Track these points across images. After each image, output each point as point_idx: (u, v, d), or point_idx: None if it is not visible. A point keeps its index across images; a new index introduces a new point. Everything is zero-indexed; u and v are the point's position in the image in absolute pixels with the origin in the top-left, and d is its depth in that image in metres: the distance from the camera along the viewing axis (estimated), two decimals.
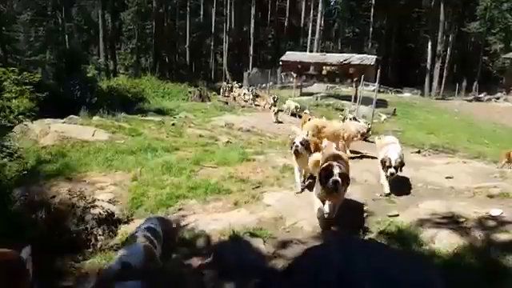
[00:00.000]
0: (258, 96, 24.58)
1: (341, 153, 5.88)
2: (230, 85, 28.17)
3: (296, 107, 19.75)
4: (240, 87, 27.28)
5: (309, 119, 13.37)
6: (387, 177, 6.27)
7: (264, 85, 31.80)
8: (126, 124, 11.26)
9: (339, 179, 4.48)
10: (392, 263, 2.43)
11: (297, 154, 6.15)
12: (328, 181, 4.52)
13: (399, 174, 6.47)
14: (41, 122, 9.54)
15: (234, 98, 24.71)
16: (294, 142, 6.19)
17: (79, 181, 6.71)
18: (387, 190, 6.25)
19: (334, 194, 4.64)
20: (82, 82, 16.27)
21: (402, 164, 6.24)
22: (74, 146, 8.60)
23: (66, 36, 41.87)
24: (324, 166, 4.83)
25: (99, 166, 7.33)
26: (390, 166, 6.15)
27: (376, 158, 7.45)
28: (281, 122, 17.03)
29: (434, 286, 2.33)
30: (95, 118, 11.49)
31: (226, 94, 26.19)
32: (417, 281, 2.34)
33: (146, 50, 48.61)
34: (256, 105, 23.25)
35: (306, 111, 17.85)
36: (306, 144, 6.20)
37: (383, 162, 6.30)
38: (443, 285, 2.45)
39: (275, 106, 19.85)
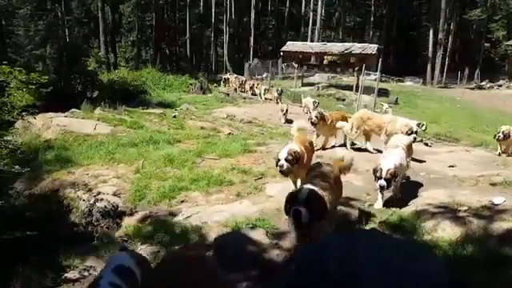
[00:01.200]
0: (267, 90, 22.82)
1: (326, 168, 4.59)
2: (241, 78, 26.80)
3: (314, 103, 17.28)
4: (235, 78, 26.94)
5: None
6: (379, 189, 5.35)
7: (261, 76, 31.41)
8: (127, 117, 11.27)
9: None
10: (394, 252, 2.43)
11: (283, 173, 5.13)
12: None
13: None
14: (43, 116, 9.56)
15: (235, 89, 24.59)
16: (278, 160, 5.02)
17: (82, 174, 6.74)
18: (378, 205, 5.45)
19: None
20: (82, 75, 16.20)
21: (394, 176, 5.22)
22: (76, 139, 8.64)
23: (66, 29, 41.63)
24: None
25: (101, 159, 7.35)
26: (380, 177, 5.19)
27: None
28: (291, 122, 14.10)
29: (437, 275, 2.32)
30: (97, 111, 11.50)
31: (235, 87, 24.66)
32: (419, 270, 2.33)
33: (147, 42, 48.40)
34: (266, 98, 21.64)
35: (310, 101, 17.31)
36: (292, 157, 4.99)
37: (374, 172, 5.33)
38: (446, 275, 2.44)
39: (280, 100, 19.01)
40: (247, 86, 23.64)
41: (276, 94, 19.65)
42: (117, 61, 42.28)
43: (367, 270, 2.22)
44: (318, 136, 8.69)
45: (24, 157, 6.75)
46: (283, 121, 14.84)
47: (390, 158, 5.41)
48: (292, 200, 3.70)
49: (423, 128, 14.32)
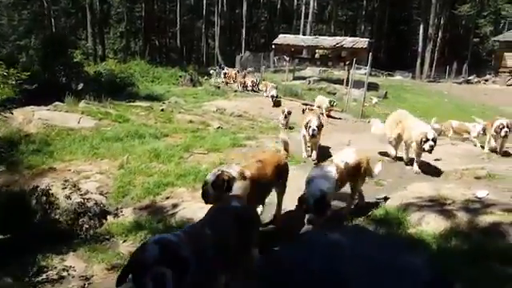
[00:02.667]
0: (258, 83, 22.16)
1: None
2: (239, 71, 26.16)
3: (331, 102, 15.38)
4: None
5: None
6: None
7: (250, 68, 31.06)
8: (113, 110, 11.04)
9: None
10: (378, 249, 2.41)
11: (207, 201, 3.93)
12: None
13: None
14: (24, 109, 9.30)
15: (226, 82, 24.41)
16: (204, 184, 3.98)
17: (64, 170, 6.58)
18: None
19: None
20: (68, 67, 15.86)
21: (326, 204, 3.99)
22: (59, 133, 8.42)
23: (52, 20, 40.94)
24: None
25: (85, 154, 7.20)
26: (307, 210, 4.08)
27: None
28: (292, 128, 12.01)
29: (420, 272, 2.29)
30: (81, 104, 11.24)
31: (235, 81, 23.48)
32: (403, 267, 2.31)
33: (136, 33, 47.87)
34: (255, 90, 21.12)
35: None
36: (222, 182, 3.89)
37: (299, 202, 4.33)
38: (429, 271, 2.41)
39: (276, 96, 17.26)
40: (249, 82, 21.83)
41: (273, 93, 17.31)
42: (105, 52, 41.69)
43: (352, 267, 2.20)
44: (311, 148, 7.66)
45: (1, 152, 6.55)
46: (283, 123, 12.36)
47: (318, 183, 4.18)
48: None
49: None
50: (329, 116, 14.98)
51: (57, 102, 11.01)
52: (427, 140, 6.46)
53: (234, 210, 3.01)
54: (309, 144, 7.60)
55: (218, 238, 2.57)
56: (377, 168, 5.38)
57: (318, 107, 15.11)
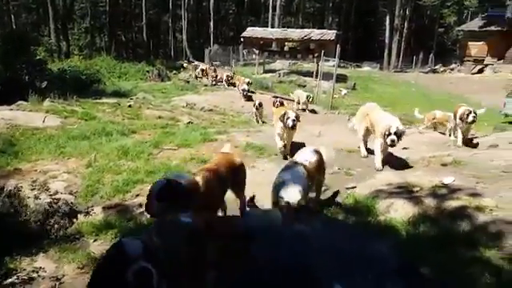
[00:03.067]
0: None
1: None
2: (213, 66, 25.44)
3: (308, 97, 15.18)
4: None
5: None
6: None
7: (216, 62, 30.74)
8: (78, 108, 10.77)
9: None
10: (345, 239, 2.46)
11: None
12: None
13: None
14: None
15: (196, 76, 24.15)
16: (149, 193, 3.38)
17: (30, 170, 6.38)
18: None
19: None
20: (30, 65, 15.29)
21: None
22: (24, 133, 8.13)
23: (12, 16, 39.38)
24: None
25: (51, 153, 6.99)
26: None
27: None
28: (264, 122, 12.54)
29: (386, 260, 2.35)
30: (46, 102, 10.88)
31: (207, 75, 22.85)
32: (370, 256, 2.36)
33: (101, 29, 46.73)
34: (231, 84, 20.77)
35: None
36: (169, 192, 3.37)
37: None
38: (395, 259, 2.48)
39: (248, 90, 17.18)
40: (224, 76, 21.51)
41: (245, 87, 17.40)
42: (70, 49, 40.36)
43: (320, 259, 2.21)
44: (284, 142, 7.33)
45: None
46: (255, 116, 12.73)
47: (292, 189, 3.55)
48: None
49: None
50: (305, 110, 15.05)
51: (20, 101, 10.62)
52: (389, 134, 6.14)
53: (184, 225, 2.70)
54: (285, 136, 7.21)
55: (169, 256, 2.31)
56: (328, 157, 5.15)
57: (298, 103, 15.27)
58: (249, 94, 17.30)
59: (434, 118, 10.35)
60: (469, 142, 8.58)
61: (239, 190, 4.60)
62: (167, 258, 2.27)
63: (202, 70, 24.30)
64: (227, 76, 21.44)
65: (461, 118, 8.33)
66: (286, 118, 7.01)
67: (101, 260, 2.19)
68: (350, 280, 2.13)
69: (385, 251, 2.46)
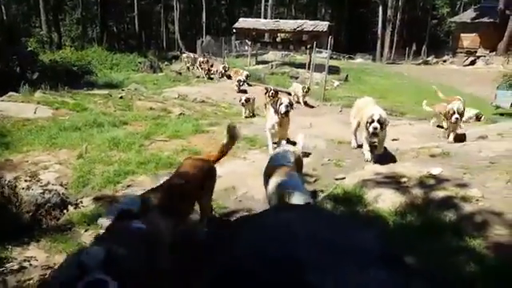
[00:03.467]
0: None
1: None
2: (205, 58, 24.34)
3: (303, 89, 14.86)
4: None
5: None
6: None
7: (209, 54, 30.36)
8: (70, 99, 10.72)
9: None
10: (331, 229, 2.47)
11: None
12: None
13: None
14: None
15: (188, 68, 24.04)
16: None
17: (21, 161, 6.37)
18: None
19: None
20: (21, 56, 15.19)
21: None
22: (15, 124, 8.10)
23: (3, 7, 38.78)
24: None
25: (42, 144, 6.97)
26: None
27: None
28: (253, 116, 11.91)
29: (372, 248, 2.39)
30: (37, 94, 10.84)
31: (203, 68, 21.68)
32: (356, 246, 2.38)
33: (92, 19, 46.19)
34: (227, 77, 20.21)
35: None
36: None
37: None
38: (381, 246, 2.53)
39: (244, 82, 16.51)
40: (219, 68, 20.84)
41: (242, 78, 16.86)
42: (61, 40, 39.95)
43: (306, 250, 2.23)
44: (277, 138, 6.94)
45: None
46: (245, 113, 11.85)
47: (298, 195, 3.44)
48: None
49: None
50: (305, 103, 14.69)
51: (11, 93, 10.58)
52: (372, 121, 6.00)
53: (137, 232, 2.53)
54: (277, 129, 6.78)
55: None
56: (299, 143, 5.07)
57: (295, 95, 14.78)
58: (244, 87, 16.76)
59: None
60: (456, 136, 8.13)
61: (207, 200, 4.13)
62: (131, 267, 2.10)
63: (201, 63, 23.08)
64: (223, 67, 20.93)
65: (446, 116, 8.25)
66: (278, 103, 6.70)
67: (55, 270, 2.06)
68: (334, 268, 2.17)
69: (369, 240, 2.50)
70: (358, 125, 7.01)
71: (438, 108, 9.54)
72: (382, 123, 6.04)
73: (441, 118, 9.32)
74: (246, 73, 18.45)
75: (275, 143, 6.86)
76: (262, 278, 2.07)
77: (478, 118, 11.99)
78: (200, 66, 22.82)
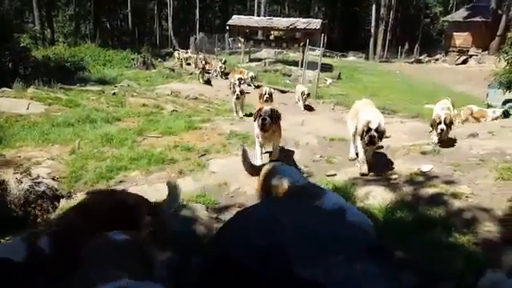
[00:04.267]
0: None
1: None
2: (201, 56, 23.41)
3: (303, 94, 13.64)
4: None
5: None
6: None
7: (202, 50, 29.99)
8: (63, 95, 10.71)
9: None
10: (319, 221, 2.50)
11: None
12: None
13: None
14: None
15: (181, 64, 23.99)
16: None
17: (14, 157, 6.35)
18: None
19: None
20: (14, 52, 15.12)
21: None
22: (8, 120, 8.08)
23: None
24: None
25: (35, 140, 6.95)
26: None
27: None
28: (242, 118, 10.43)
29: (360, 242, 2.42)
30: (30, 89, 10.81)
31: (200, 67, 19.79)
32: (343, 237, 2.42)
33: (86, 16, 45.82)
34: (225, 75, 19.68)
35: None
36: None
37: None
38: (370, 239, 2.57)
39: (244, 82, 15.14)
40: (217, 67, 20.24)
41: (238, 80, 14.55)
42: (54, 36, 39.68)
43: (293, 239, 2.25)
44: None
45: None
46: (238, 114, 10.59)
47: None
48: None
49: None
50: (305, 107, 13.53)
51: (4, 88, 10.57)
52: (369, 130, 5.36)
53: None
54: (261, 137, 5.93)
55: None
56: None
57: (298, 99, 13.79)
58: (243, 87, 13.16)
59: (471, 114, 10.19)
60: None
61: None
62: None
63: (204, 63, 21.05)
64: (220, 67, 20.24)
65: (431, 125, 7.07)
66: (258, 116, 5.82)
67: None
68: (322, 260, 2.20)
69: (358, 233, 2.54)
70: (356, 129, 6.06)
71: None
72: (381, 132, 5.44)
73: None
74: (251, 73, 17.55)
75: (268, 152, 6.35)
76: (248, 266, 2.10)
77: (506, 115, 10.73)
78: (196, 64, 21.74)
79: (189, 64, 23.84)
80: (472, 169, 5.40)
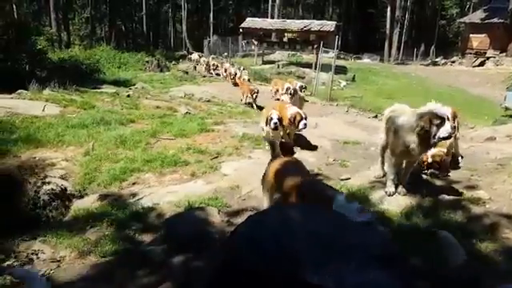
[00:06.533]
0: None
1: None
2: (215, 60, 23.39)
3: (301, 87, 12.40)
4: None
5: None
6: None
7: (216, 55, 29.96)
8: (78, 97, 10.82)
9: None
10: (331, 226, 2.45)
11: None
12: None
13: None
14: None
15: (195, 67, 24.13)
16: None
17: (29, 158, 6.43)
18: None
19: None
20: (31, 54, 15.38)
21: None
22: (24, 121, 8.18)
23: (14, 6, 39.08)
24: None
25: (50, 141, 7.02)
26: None
27: None
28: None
29: (372, 247, 2.36)
30: (46, 91, 10.96)
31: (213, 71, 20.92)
32: (354, 243, 2.36)
33: (101, 19, 46.52)
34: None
35: None
36: None
37: None
38: (382, 245, 2.50)
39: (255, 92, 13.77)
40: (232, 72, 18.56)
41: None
42: (70, 39, 40.39)
43: (303, 244, 2.21)
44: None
45: None
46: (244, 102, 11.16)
47: None
48: None
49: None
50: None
51: (20, 90, 10.73)
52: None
53: None
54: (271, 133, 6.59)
55: None
56: None
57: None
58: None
59: None
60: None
61: None
62: None
63: (216, 66, 21.60)
64: (229, 72, 18.91)
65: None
66: (269, 119, 6.57)
67: None
68: (333, 267, 2.15)
69: (371, 240, 2.48)
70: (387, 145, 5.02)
71: None
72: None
73: None
74: (299, 84, 13.00)
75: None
76: (258, 273, 2.07)
77: None
78: (209, 68, 21.95)
79: (195, 67, 23.86)
80: (490, 173, 5.31)
